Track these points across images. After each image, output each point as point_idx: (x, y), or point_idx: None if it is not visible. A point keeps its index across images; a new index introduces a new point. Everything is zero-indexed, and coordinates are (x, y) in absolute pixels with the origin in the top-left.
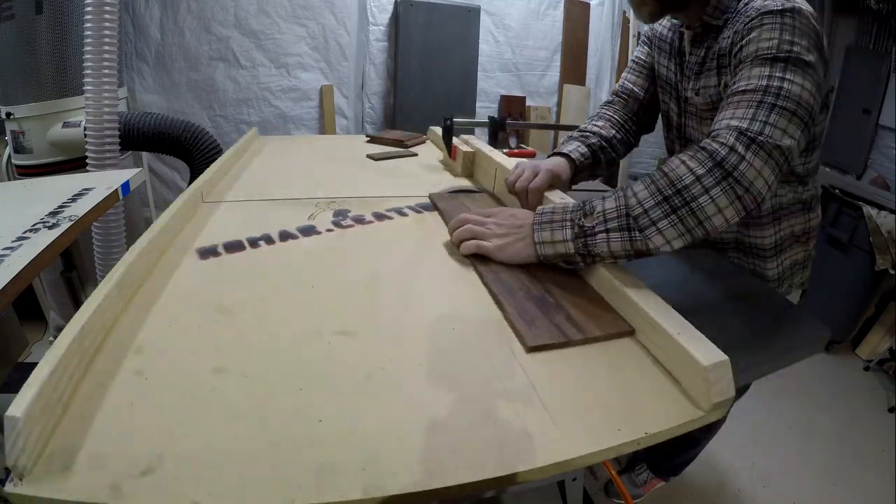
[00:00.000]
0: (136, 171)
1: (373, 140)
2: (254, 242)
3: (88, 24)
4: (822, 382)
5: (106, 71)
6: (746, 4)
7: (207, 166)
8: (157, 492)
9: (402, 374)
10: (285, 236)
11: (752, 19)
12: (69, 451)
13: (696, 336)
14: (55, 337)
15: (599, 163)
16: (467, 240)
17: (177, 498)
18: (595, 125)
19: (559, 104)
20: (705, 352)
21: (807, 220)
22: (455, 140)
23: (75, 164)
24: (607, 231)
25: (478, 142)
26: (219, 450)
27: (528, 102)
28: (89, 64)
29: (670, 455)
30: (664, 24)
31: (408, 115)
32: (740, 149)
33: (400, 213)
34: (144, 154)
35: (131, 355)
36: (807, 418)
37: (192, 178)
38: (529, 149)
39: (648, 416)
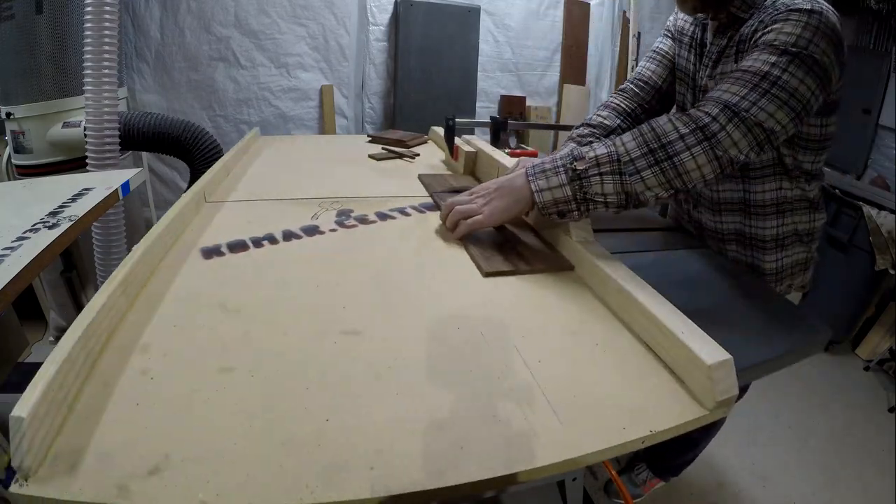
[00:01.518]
0: (136, 171)
1: (374, 140)
2: (257, 242)
3: (88, 24)
4: (822, 382)
5: (106, 71)
6: (775, 1)
7: (207, 166)
8: (165, 491)
9: (409, 372)
10: (289, 236)
11: (780, 13)
12: (75, 451)
13: (699, 335)
14: (56, 337)
15: None
16: (458, 222)
17: (185, 498)
18: (599, 116)
19: (559, 104)
20: (709, 351)
21: (811, 220)
22: (457, 140)
23: (75, 164)
24: (600, 174)
25: (479, 142)
26: (227, 449)
27: (528, 102)
28: (89, 64)
29: (670, 455)
30: (686, 19)
31: (408, 115)
32: (722, 120)
33: (403, 212)
34: (144, 154)
35: (137, 355)
36: (807, 418)
37: (192, 177)
38: (531, 149)
39: (653, 415)
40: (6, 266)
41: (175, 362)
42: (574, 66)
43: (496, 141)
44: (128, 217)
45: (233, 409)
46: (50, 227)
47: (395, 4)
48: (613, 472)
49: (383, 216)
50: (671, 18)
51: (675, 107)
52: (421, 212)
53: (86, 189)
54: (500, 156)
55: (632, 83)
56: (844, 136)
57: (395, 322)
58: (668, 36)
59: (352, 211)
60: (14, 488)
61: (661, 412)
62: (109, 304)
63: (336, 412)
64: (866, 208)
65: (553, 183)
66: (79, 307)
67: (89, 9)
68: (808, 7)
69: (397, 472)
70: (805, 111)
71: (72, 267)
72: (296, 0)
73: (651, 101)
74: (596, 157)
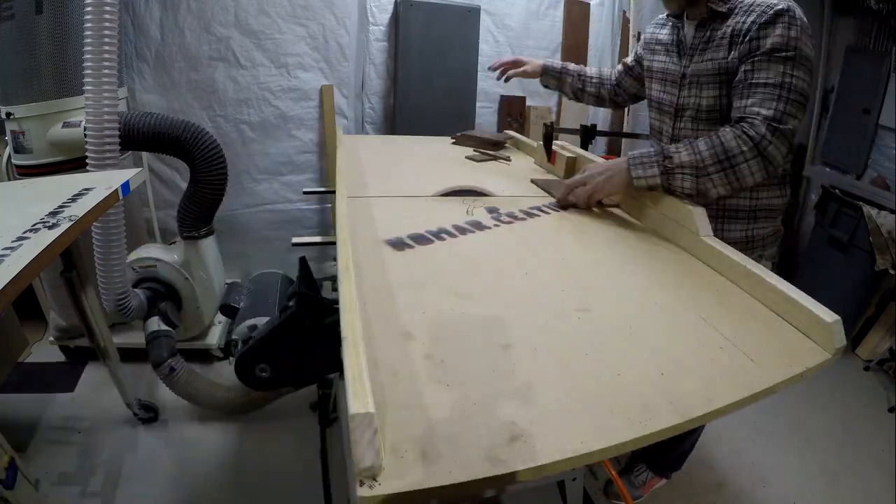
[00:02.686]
0: (136, 171)
1: (459, 142)
2: (437, 236)
3: (88, 24)
4: (822, 382)
5: (106, 71)
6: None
7: (208, 166)
8: (534, 452)
9: (646, 333)
10: (461, 230)
11: (767, 15)
12: (411, 439)
13: (816, 303)
14: (55, 337)
15: (564, 84)
16: (584, 198)
17: (557, 451)
18: (587, 68)
19: (559, 104)
20: (826, 313)
21: (781, 196)
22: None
23: (75, 164)
24: (683, 174)
25: (575, 147)
26: (560, 407)
27: (528, 102)
28: (89, 64)
29: (668, 449)
30: (656, 31)
31: (408, 115)
32: (769, 136)
33: (542, 210)
34: (144, 154)
35: (407, 342)
36: (807, 418)
37: (193, 177)
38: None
39: (800, 359)
40: (6, 266)
41: (450, 345)
42: None
43: (586, 147)
44: (128, 217)
45: (538, 376)
46: (50, 227)
47: (395, 4)
48: (613, 473)
49: (528, 214)
50: (639, 44)
51: (650, 101)
52: (556, 210)
53: (86, 189)
54: (598, 159)
55: (616, 71)
56: (844, 136)
57: (610, 299)
58: (637, 51)
59: (498, 209)
60: (363, 492)
61: (806, 357)
62: (356, 295)
63: (621, 367)
64: (866, 208)
65: (648, 174)
66: (79, 307)
67: (89, 9)
68: (785, 7)
69: (685, 402)
70: (807, 102)
71: (72, 267)
72: (296, 0)
73: (616, 85)
74: (682, 162)
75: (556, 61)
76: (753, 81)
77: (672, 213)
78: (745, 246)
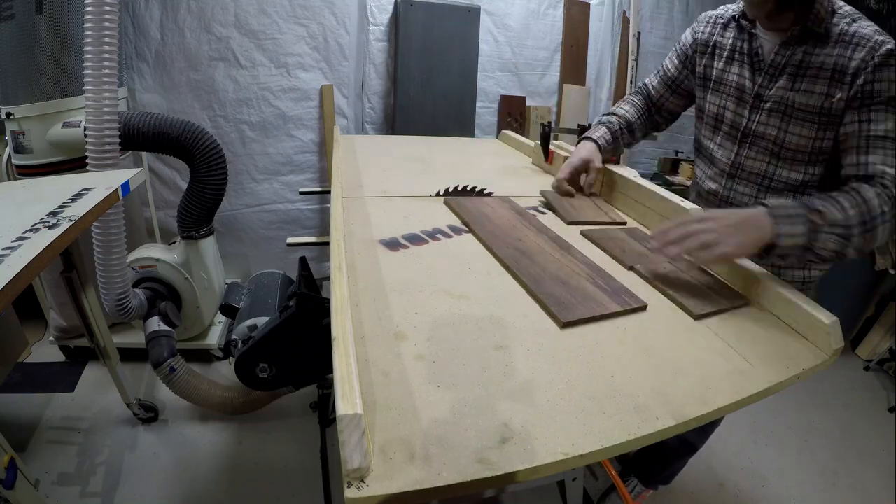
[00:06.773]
0: (136, 171)
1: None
2: (432, 236)
3: (88, 24)
4: (822, 382)
5: (106, 71)
6: (849, 23)
7: (208, 166)
8: (526, 454)
9: (640, 334)
10: (456, 230)
11: (879, 55)
12: (401, 441)
13: (813, 304)
14: (55, 337)
15: (619, 146)
16: (697, 248)
17: (548, 454)
18: (623, 108)
19: (559, 104)
20: (824, 315)
21: None
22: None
23: (75, 164)
24: (832, 233)
25: (573, 147)
26: (552, 409)
27: (528, 102)
28: (89, 64)
29: (663, 465)
30: (727, 36)
31: (408, 115)
32: None
33: (538, 210)
34: (144, 154)
35: (399, 343)
36: (807, 418)
37: (193, 178)
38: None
39: (797, 360)
40: (6, 266)
41: (445, 346)
42: (574, 66)
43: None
44: (128, 217)
45: (530, 377)
46: (50, 227)
47: (395, 4)
48: (613, 473)
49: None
50: (687, 35)
51: (702, 114)
52: (552, 210)
53: (86, 189)
54: (603, 163)
55: (643, 90)
56: None
57: None
58: (679, 57)
59: None
60: (350, 493)
61: (803, 358)
62: (347, 294)
63: (613, 369)
64: None
65: (797, 231)
66: (79, 307)
67: (89, 9)
68: (893, 45)
69: (681, 403)
70: None
71: (72, 267)
72: (296, 0)
73: (650, 109)
74: (833, 220)
75: (601, 130)
76: (872, 134)
77: (667, 213)
78: (801, 288)
